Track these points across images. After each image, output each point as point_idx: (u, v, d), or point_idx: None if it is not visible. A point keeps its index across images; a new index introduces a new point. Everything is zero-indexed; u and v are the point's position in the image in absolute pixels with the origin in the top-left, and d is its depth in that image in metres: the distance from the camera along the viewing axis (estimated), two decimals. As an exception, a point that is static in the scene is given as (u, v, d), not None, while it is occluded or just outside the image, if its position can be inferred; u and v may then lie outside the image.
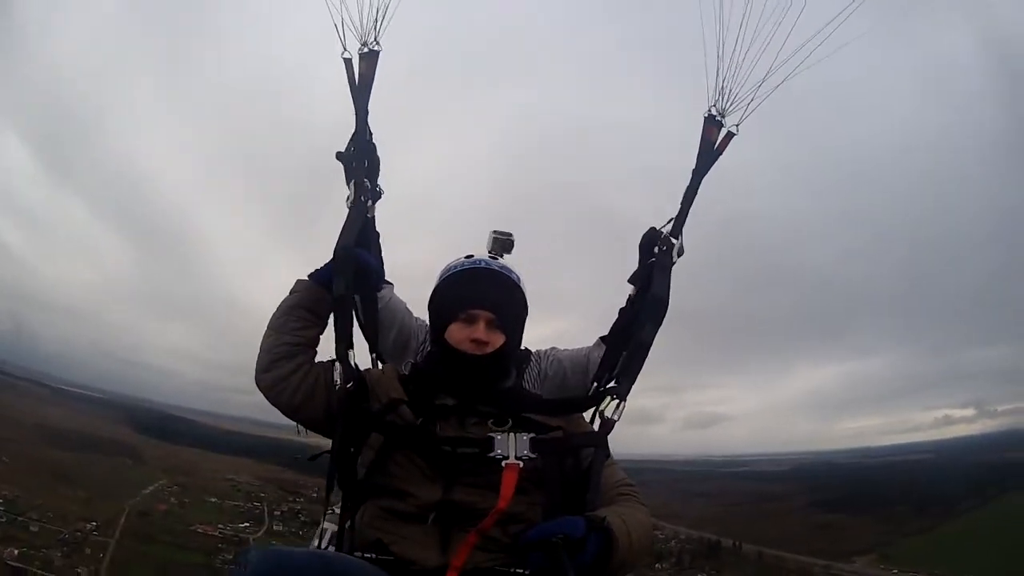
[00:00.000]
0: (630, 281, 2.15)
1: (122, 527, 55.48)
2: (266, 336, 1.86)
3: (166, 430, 78.59)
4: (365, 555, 1.56)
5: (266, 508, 63.70)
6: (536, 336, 2.24)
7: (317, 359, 1.89)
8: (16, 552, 46.45)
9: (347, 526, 1.75)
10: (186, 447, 74.81)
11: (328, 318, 1.90)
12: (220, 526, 60.38)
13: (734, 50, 1.94)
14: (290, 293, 1.91)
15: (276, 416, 1.87)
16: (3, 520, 48.48)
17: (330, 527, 2.02)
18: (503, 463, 1.64)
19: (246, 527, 60.85)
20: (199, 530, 59.32)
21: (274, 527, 59.16)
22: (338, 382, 1.78)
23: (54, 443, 64.95)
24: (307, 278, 1.93)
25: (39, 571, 45.91)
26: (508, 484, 1.61)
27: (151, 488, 64.26)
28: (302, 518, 56.50)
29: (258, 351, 1.85)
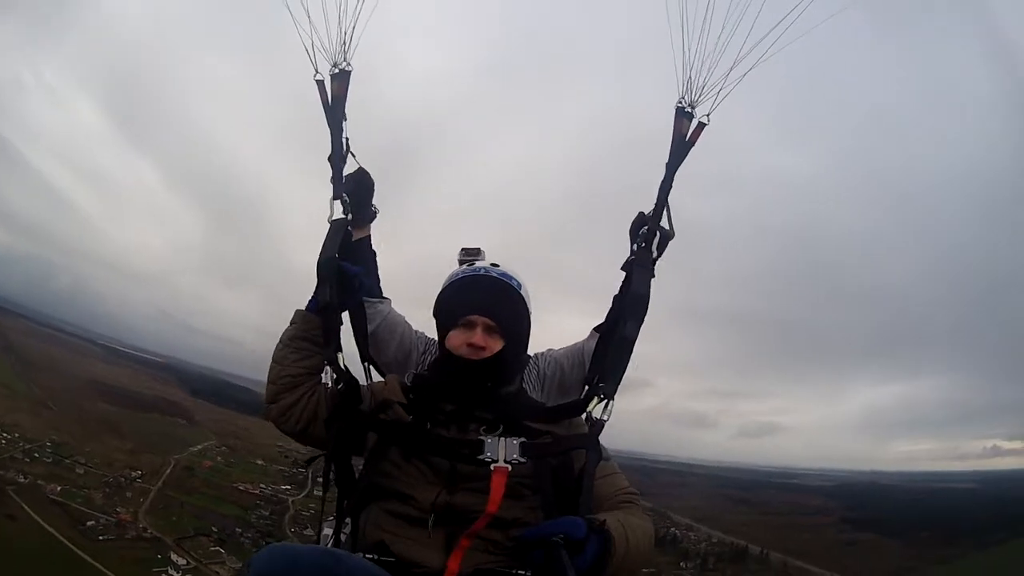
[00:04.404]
0: (623, 269, 2.18)
1: (166, 477, 59.52)
2: (271, 368, 1.96)
3: (221, 396, 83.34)
4: (367, 555, 1.61)
5: (310, 473, 65.64)
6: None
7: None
8: (59, 488, 50.75)
9: (350, 528, 1.82)
10: (241, 414, 78.75)
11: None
12: (262, 486, 63.43)
13: (699, 41, 1.97)
14: (290, 324, 1.99)
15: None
16: (49, 460, 53.44)
17: (331, 532, 2.06)
18: (492, 467, 1.70)
19: (287, 489, 63.57)
20: (240, 487, 62.62)
21: (315, 492, 61.19)
22: (328, 384, 1.88)
23: (106, 399, 70.75)
24: (304, 309, 1.99)
25: (79, 507, 49.91)
26: (497, 488, 1.67)
27: (200, 447, 68.56)
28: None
29: (266, 381, 1.95)
